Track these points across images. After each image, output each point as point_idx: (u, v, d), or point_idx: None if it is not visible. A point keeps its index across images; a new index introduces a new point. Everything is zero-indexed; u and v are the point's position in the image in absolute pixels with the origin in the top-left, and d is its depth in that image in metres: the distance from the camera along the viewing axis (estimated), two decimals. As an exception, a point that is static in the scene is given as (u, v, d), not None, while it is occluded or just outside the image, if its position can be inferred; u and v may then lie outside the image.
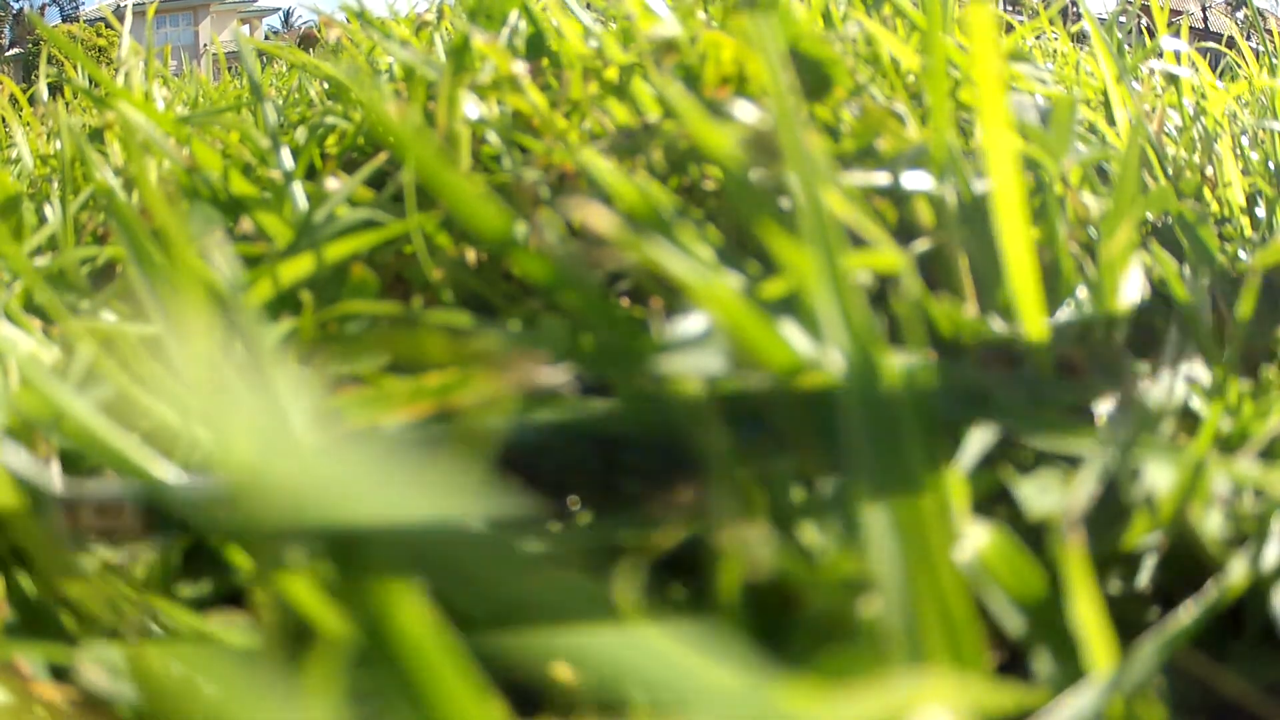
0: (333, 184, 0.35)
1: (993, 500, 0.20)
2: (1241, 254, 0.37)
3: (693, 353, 0.18)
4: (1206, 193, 0.51)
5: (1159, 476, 0.18)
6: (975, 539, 0.16)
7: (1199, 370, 0.23)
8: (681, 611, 0.14)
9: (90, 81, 0.61)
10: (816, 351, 0.18)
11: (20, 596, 0.20)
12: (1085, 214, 0.34)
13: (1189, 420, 0.23)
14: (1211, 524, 0.18)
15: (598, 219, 0.18)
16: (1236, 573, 0.17)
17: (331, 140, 0.49)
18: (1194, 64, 0.60)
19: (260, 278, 0.28)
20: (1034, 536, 0.18)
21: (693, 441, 0.17)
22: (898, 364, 0.17)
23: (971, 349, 0.24)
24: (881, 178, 0.31)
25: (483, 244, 0.31)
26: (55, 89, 0.68)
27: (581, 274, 0.18)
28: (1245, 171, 0.52)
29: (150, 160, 0.39)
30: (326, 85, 0.65)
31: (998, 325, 0.24)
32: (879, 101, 0.39)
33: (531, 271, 0.18)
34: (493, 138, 0.39)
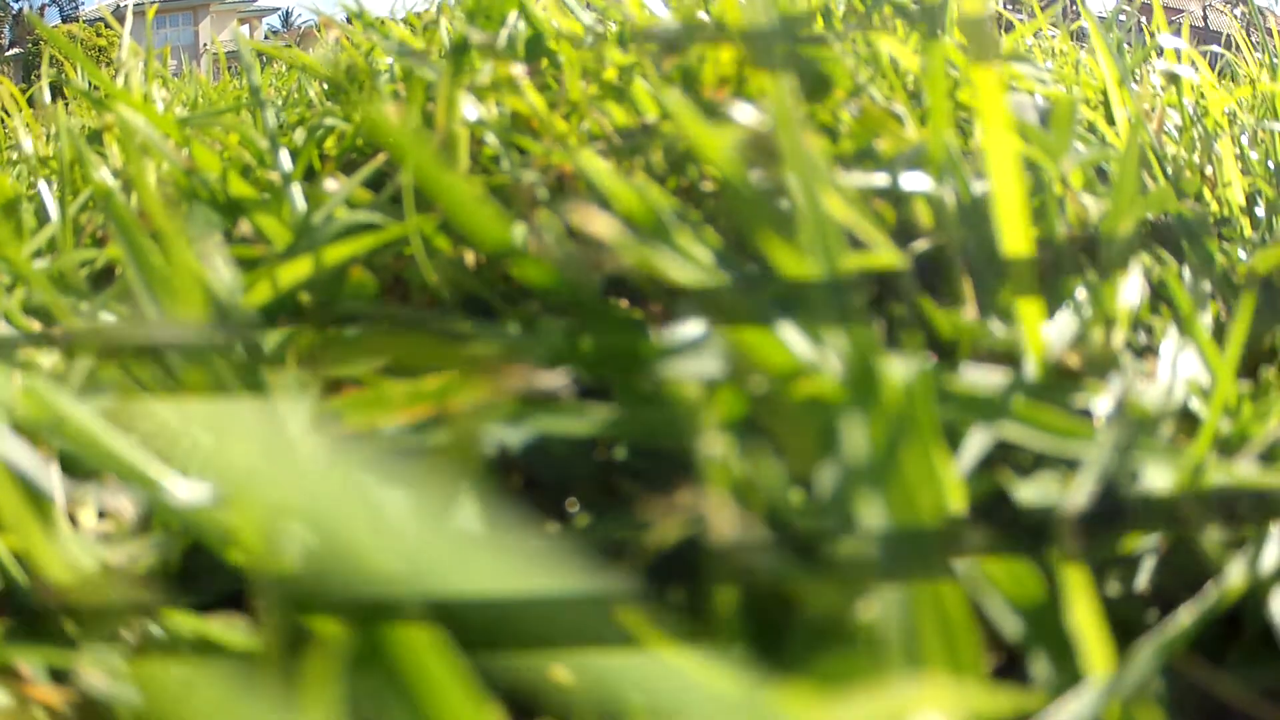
0: (331, 185, 0.35)
1: (991, 503, 0.20)
2: (1241, 254, 0.37)
3: (691, 356, 0.18)
4: (1206, 192, 0.51)
5: (1158, 479, 0.18)
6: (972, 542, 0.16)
7: (1198, 371, 0.23)
8: (678, 615, 0.14)
9: (90, 83, 0.61)
10: (815, 355, 0.18)
11: (20, 599, 0.20)
12: (1085, 214, 0.34)
13: (1188, 422, 0.23)
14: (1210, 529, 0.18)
15: (596, 224, 0.18)
16: (1235, 576, 0.17)
17: (330, 141, 0.49)
18: (1194, 63, 0.60)
19: (259, 280, 0.28)
20: (1031, 539, 0.18)
21: (691, 445, 0.17)
22: (896, 368, 0.17)
23: (970, 351, 0.24)
24: (880, 179, 0.31)
25: (481, 249, 0.31)
26: (56, 89, 0.68)
27: (579, 278, 0.18)
28: (1245, 171, 0.52)
29: (149, 162, 0.39)
30: (326, 86, 0.65)
31: (997, 328, 0.24)
32: (878, 102, 0.39)
33: (530, 276, 0.18)
34: (492, 139, 0.39)
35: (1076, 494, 0.17)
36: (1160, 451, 0.18)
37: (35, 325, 0.31)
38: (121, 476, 0.18)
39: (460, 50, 0.38)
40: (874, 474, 0.15)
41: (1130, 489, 0.18)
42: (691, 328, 0.20)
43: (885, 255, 0.22)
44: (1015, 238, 0.22)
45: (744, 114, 0.31)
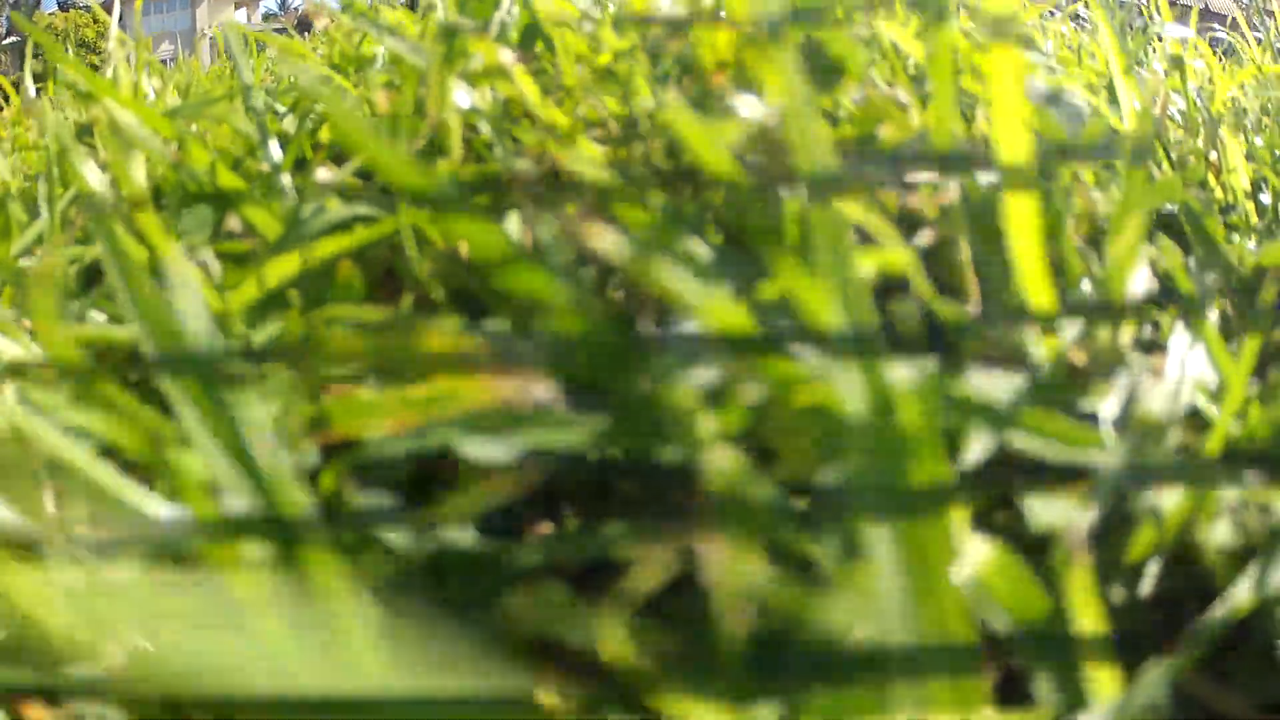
0: (323, 175, 0.35)
1: (993, 509, 0.19)
2: (1249, 245, 0.37)
3: (687, 362, 0.18)
4: (1211, 179, 0.50)
5: (1166, 490, 0.18)
6: (975, 555, 0.16)
7: (1206, 369, 0.23)
8: (675, 632, 0.14)
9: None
10: (818, 362, 0.17)
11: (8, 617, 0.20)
12: (1092, 205, 0.33)
13: (1196, 420, 0.22)
14: (1218, 539, 0.18)
15: (596, 236, 0.17)
16: (1242, 592, 0.16)
17: (324, 129, 0.49)
18: (1198, 49, 0.59)
19: (245, 278, 0.27)
20: (1032, 543, 0.18)
21: (687, 456, 0.16)
22: (901, 374, 0.16)
23: (975, 349, 0.23)
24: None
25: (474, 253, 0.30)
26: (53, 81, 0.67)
27: (574, 282, 0.18)
28: (1250, 158, 0.51)
29: (137, 155, 0.38)
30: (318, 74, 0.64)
31: (1002, 324, 0.23)
32: (880, 87, 0.38)
33: (523, 283, 0.18)
34: (485, 126, 0.38)
35: (1085, 508, 0.17)
36: (1169, 460, 0.18)
37: (25, 324, 0.31)
38: (100, 500, 0.18)
39: (451, 36, 0.37)
40: (877, 488, 0.15)
41: (1139, 499, 0.17)
42: (688, 331, 0.19)
43: (895, 253, 0.21)
44: (1024, 236, 0.22)
45: (744, 103, 0.30)
